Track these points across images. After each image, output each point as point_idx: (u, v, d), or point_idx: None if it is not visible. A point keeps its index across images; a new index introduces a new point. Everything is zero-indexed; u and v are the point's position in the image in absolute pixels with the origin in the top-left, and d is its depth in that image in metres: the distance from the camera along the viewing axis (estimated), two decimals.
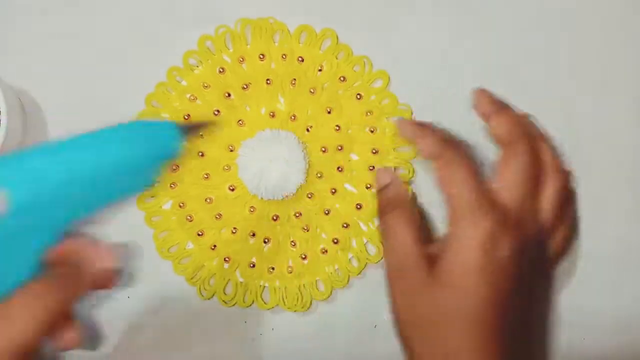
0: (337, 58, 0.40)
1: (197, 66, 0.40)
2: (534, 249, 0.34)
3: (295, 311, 0.40)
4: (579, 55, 0.41)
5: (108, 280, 0.27)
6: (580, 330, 0.40)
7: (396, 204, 0.34)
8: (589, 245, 0.40)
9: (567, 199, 0.36)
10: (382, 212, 0.35)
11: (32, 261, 0.26)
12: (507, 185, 0.34)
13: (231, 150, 0.40)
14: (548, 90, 0.41)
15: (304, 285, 0.40)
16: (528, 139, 0.35)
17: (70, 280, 0.27)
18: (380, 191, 0.36)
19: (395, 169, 0.40)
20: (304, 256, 0.40)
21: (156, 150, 0.28)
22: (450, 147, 0.34)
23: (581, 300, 0.40)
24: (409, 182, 0.40)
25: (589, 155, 0.41)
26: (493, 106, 0.36)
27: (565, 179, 0.36)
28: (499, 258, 0.31)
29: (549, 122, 0.41)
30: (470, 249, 0.31)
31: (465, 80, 0.41)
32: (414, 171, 0.40)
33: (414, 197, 0.35)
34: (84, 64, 0.41)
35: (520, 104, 0.41)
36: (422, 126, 0.36)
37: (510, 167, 0.34)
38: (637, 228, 0.40)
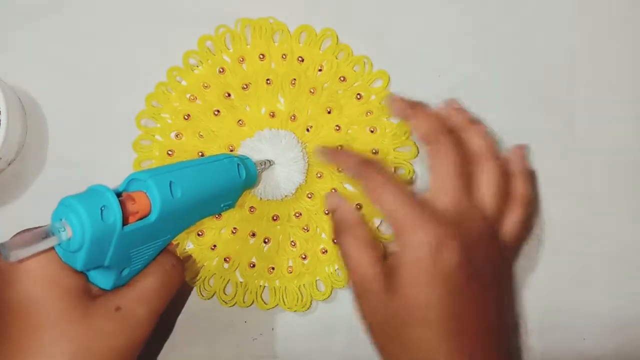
0: (337, 58, 0.40)
1: (197, 66, 0.40)
2: (485, 243, 0.33)
3: (295, 311, 0.40)
4: (578, 55, 0.41)
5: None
6: (580, 330, 0.40)
7: (346, 227, 0.34)
8: (589, 245, 0.40)
9: (508, 179, 0.36)
10: (335, 235, 0.35)
11: (149, 259, 0.33)
12: (439, 188, 0.34)
13: (231, 150, 0.40)
14: (548, 90, 0.41)
15: (304, 285, 0.40)
16: (450, 135, 0.35)
17: (174, 280, 0.33)
18: (333, 215, 0.36)
19: (395, 169, 0.40)
20: (304, 256, 0.40)
21: (243, 181, 0.36)
22: (370, 166, 0.34)
23: (581, 300, 0.40)
24: (410, 182, 0.40)
25: (589, 155, 0.41)
26: (408, 108, 0.36)
27: (499, 162, 0.35)
28: (447, 264, 0.31)
29: (549, 122, 0.41)
30: (417, 261, 0.32)
31: (465, 80, 0.41)
32: (413, 171, 0.40)
33: (363, 216, 0.35)
34: (84, 64, 0.41)
35: (521, 103, 0.41)
36: (337, 149, 0.37)
37: (437, 168, 0.34)
38: (637, 228, 0.41)
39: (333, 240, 0.39)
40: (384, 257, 0.34)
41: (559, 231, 0.40)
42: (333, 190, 0.40)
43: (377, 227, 0.39)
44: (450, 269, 0.31)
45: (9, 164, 0.40)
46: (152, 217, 0.30)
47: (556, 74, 0.41)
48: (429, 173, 0.35)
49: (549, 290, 0.40)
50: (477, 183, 0.35)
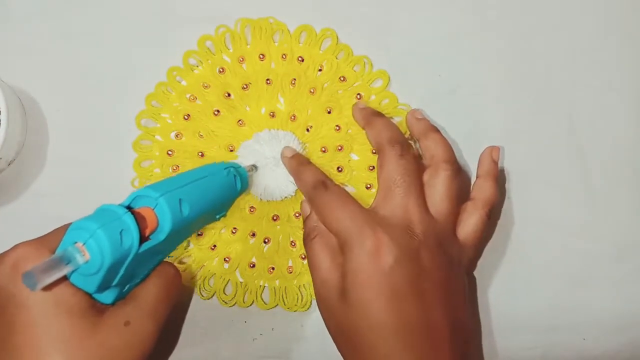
0: (337, 58, 0.40)
1: (197, 66, 0.40)
2: (430, 244, 0.34)
3: (295, 311, 0.40)
4: (579, 55, 0.41)
5: None
6: (580, 330, 0.40)
7: (315, 232, 0.36)
8: (589, 245, 0.40)
9: (459, 182, 0.36)
10: (304, 241, 0.36)
11: (149, 272, 0.33)
12: (382, 196, 0.35)
13: (231, 150, 0.40)
14: (548, 90, 0.41)
15: (304, 285, 0.40)
16: (393, 144, 0.36)
17: (176, 290, 0.34)
18: (304, 221, 0.37)
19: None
20: (304, 256, 0.40)
21: (239, 191, 0.37)
22: (315, 192, 0.36)
23: (581, 300, 0.40)
24: None
25: (589, 155, 0.41)
26: (364, 119, 0.38)
27: (451, 166, 0.36)
28: (385, 266, 0.32)
29: (549, 122, 0.41)
30: (358, 268, 0.33)
31: (465, 81, 0.41)
32: None
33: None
34: (84, 64, 0.41)
35: (521, 103, 0.41)
36: (298, 169, 0.38)
37: (380, 177, 0.36)
38: (637, 228, 0.41)
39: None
40: None
41: (559, 231, 0.40)
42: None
43: None
44: (389, 269, 0.32)
45: (9, 164, 0.40)
46: (162, 235, 0.30)
47: (556, 74, 0.41)
48: (377, 180, 0.36)
49: (549, 290, 0.40)
50: (429, 189, 0.36)
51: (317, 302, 0.35)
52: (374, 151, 0.40)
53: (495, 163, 0.38)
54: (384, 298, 0.32)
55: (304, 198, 0.38)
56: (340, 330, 0.34)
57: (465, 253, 0.36)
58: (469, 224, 0.36)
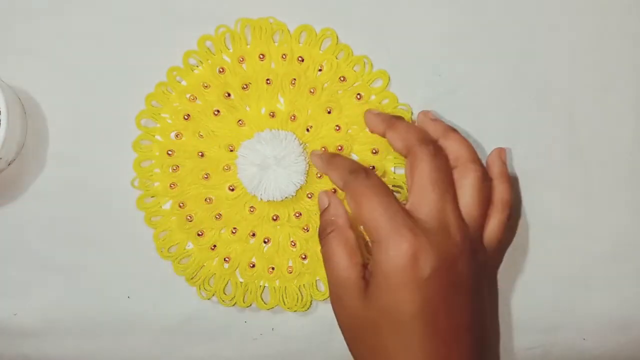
0: (337, 58, 0.40)
1: (197, 66, 0.40)
2: (465, 251, 0.33)
3: (295, 311, 0.40)
4: (579, 55, 0.41)
5: None
6: (580, 330, 0.40)
7: (333, 228, 0.35)
8: (589, 245, 0.40)
9: (489, 184, 0.36)
10: (320, 235, 0.35)
11: None
12: (418, 198, 0.33)
13: (231, 150, 0.40)
14: (548, 90, 0.41)
15: (304, 285, 0.40)
16: (426, 144, 0.34)
17: None
18: (321, 215, 0.36)
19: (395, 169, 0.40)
20: (304, 256, 0.40)
21: None
22: (354, 176, 0.34)
23: (581, 300, 0.40)
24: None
25: (589, 155, 0.41)
26: (384, 123, 0.36)
27: (479, 167, 0.35)
28: (423, 273, 0.31)
29: (549, 122, 0.41)
30: (393, 269, 0.31)
31: (465, 81, 0.41)
32: None
33: (349, 219, 0.35)
34: (84, 64, 0.41)
35: (521, 103, 0.41)
36: (331, 157, 0.37)
37: (414, 178, 0.34)
38: (637, 228, 0.41)
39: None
40: (365, 264, 0.34)
41: (559, 231, 0.40)
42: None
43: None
44: (426, 278, 0.31)
45: (9, 164, 0.40)
46: None
47: (556, 74, 0.41)
48: (407, 182, 0.35)
49: (549, 290, 0.40)
50: (458, 190, 0.35)
51: (331, 299, 0.34)
52: (374, 151, 0.39)
53: (505, 164, 0.37)
54: (416, 307, 0.31)
55: (321, 192, 0.37)
56: (357, 331, 0.33)
57: (490, 258, 0.36)
58: (491, 229, 0.36)
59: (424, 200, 0.33)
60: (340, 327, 0.34)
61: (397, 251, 0.31)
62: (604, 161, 0.41)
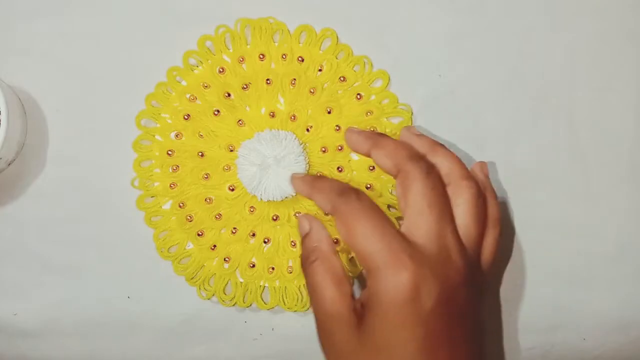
0: (337, 58, 0.40)
1: (197, 66, 0.40)
2: (467, 279, 0.31)
3: (295, 311, 0.40)
4: (578, 55, 0.41)
5: None
6: (580, 330, 0.40)
7: (317, 256, 0.32)
8: (589, 245, 0.40)
9: (484, 201, 0.33)
10: (303, 264, 0.32)
11: None
12: (414, 221, 0.30)
13: (231, 150, 0.40)
14: (548, 90, 0.41)
15: (304, 285, 0.40)
16: (416, 161, 0.32)
17: None
18: (302, 241, 0.33)
19: None
20: None
21: None
22: (344, 199, 0.31)
23: (581, 300, 0.40)
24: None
25: (589, 155, 0.41)
26: (368, 141, 0.33)
27: (474, 183, 0.33)
28: (425, 307, 0.29)
29: (549, 122, 0.41)
30: (391, 306, 0.29)
31: (465, 81, 0.41)
32: None
33: (333, 244, 0.33)
34: (84, 64, 0.41)
35: (520, 103, 0.41)
36: (315, 179, 0.34)
37: (408, 199, 0.31)
38: (637, 228, 0.41)
39: (333, 241, 0.39)
40: (352, 294, 0.31)
41: (559, 231, 0.40)
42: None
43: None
44: (428, 311, 0.29)
45: (9, 164, 0.40)
46: None
47: (556, 74, 0.41)
48: (400, 204, 0.32)
49: (549, 290, 0.40)
50: (454, 208, 0.32)
51: (319, 335, 0.31)
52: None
53: (488, 178, 0.35)
54: (418, 345, 0.28)
55: (301, 216, 0.35)
56: None
57: (486, 279, 0.34)
58: (487, 247, 0.33)
59: (421, 223, 0.30)
60: None
61: (397, 282, 0.28)
62: (604, 161, 0.41)
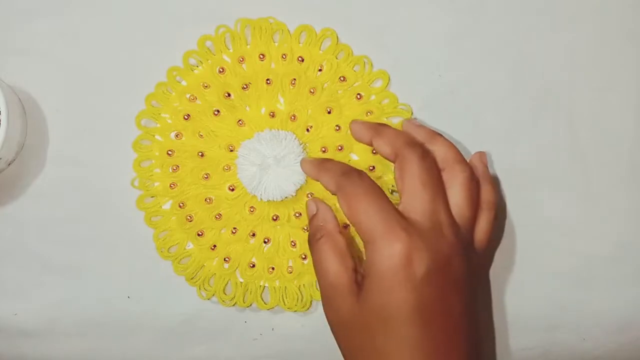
0: (337, 58, 0.40)
1: (197, 66, 0.40)
2: (458, 252, 0.33)
3: (295, 311, 0.40)
4: (578, 55, 0.41)
5: None
6: (580, 330, 0.40)
7: (323, 234, 0.35)
8: (589, 245, 0.40)
9: (477, 184, 0.36)
10: (310, 241, 0.35)
11: None
12: (410, 199, 0.33)
13: (231, 150, 0.40)
14: (548, 90, 0.41)
15: (304, 285, 0.40)
16: (412, 146, 0.34)
17: None
18: (309, 221, 0.37)
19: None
20: (304, 256, 0.40)
21: None
22: (346, 177, 0.34)
23: (581, 300, 0.40)
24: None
25: (589, 155, 0.41)
26: (370, 131, 0.36)
27: (467, 167, 0.35)
28: (416, 274, 0.31)
29: (549, 122, 0.41)
30: (386, 271, 0.31)
31: (465, 81, 0.41)
32: None
33: (339, 224, 0.36)
34: (84, 64, 0.41)
35: (521, 103, 0.41)
36: (322, 161, 0.37)
37: (405, 180, 0.34)
38: (637, 228, 0.41)
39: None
40: (356, 268, 0.34)
41: (559, 231, 0.40)
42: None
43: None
44: (421, 278, 0.31)
45: (9, 164, 0.40)
46: None
47: (556, 74, 0.41)
48: (397, 185, 0.35)
49: (549, 290, 0.40)
50: (448, 191, 0.35)
51: (323, 304, 0.34)
52: (374, 151, 0.39)
53: (487, 167, 0.37)
54: (411, 308, 0.31)
55: (309, 199, 0.38)
56: (350, 334, 0.33)
57: (481, 258, 0.36)
58: (481, 229, 0.36)
59: (416, 201, 0.33)
60: (332, 331, 0.34)
61: (391, 251, 0.31)
62: (604, 161, 0.41)
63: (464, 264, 0.33)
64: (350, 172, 0.34)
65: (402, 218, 0.33)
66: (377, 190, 0.34)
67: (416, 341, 0.31)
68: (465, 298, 0.33)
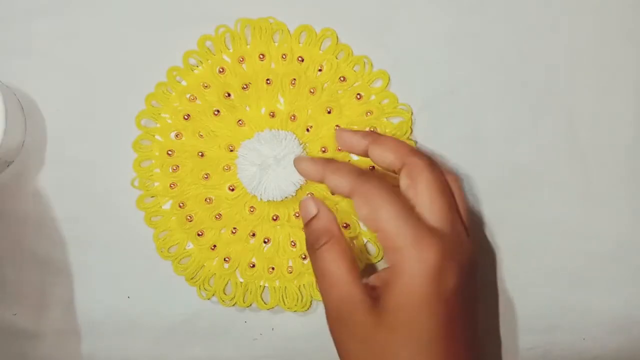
0: (337, 58, 0.40)
1: (197, 66, 0.40)
2: (475, 263, 0.32)
3: (295, 311, 0.40)
4: (579, 55, 0.41)
5: None
6: (580, 330, 0.40)
7: (326, 238, 0.32)
8: (589, 245, 0.40)
9: (440, 171, 0.34)
10: (311, 248, 0.32)
11: None
12: (428, 207, 0.31)
13: (231, 150, 0.40)
14: (548, 91, 0.41)
15: (304, 285, 0.40)
16: (419, 154, 0.33)
17: None
18: (308, 224, 0.33)
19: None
20: (304, 256, 0.40)
21: None
22: (365, 178, 0.31)
23: (581, 300, 0.40)
24: None
25: (589, 155, 0.41)
26: (366, 138, 0.33)
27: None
28: (448, 288, 0.29)
29: (549, 123, 0.41)
30: (414, 283, 0.29)
31: (465, 81, 0.41)
32: None
33: (340, 226, 0.33)
34: (84, 64, 0.41)
35: (521, 104, 0.41)
36: (328, 160, 0.34)
37: (419, 188, 0.31)
38: (637, 228, 0.41)
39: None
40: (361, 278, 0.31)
41: (559, 231, 0.40)
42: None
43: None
44: (450, 292, 0.29)
45: (9, 165, 0.40)
46: None
47: (556, 74, 0.41)
48: (409, 193, 0.32)
49: (549, 290, 0.40)
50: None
51: (329, 321, 0.31)
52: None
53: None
54: (437, 321, 0.29)
55: (305, 199, 0.35)
56: (364, 351, 0.30)
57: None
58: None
59: (435, 209, 0.31)
60: (340, 349, 0.31)
61: (423, 260, 0.29)
62: (604, 161, 0.41)
63: (476, 274, 0.32)
64: (368, 174, 0.32)
65: (429, 225, 0.30)
66: (398, 195, 0.31)
67: (440, 357, 0.29)
68: (478, 310, 0.32)
